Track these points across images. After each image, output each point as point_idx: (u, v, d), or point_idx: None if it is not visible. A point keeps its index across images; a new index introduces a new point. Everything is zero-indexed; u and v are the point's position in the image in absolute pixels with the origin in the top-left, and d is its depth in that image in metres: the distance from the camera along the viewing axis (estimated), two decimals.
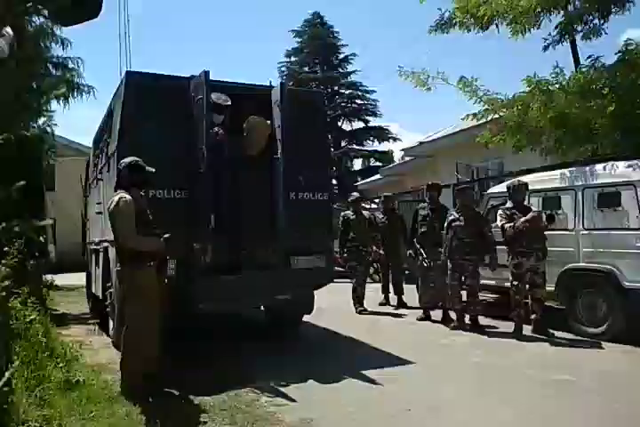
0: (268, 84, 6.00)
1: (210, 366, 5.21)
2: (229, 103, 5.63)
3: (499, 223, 6.31)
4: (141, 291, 4.18)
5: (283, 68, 32.46)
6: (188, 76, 5.60)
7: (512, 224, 6.09)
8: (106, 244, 5.99)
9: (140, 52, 55.78)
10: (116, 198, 4.25)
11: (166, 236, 4.32)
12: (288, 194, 5.70)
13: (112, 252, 5.25)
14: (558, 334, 6.10)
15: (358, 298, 8.33)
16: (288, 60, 32.74)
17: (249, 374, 4.83)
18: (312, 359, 5.45)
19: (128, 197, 4.23)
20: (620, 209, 5.79)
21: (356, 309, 8.24)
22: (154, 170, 4.51)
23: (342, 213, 8.64)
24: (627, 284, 5.54)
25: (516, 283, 6.18)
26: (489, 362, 5.22)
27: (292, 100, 5.73)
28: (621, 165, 5.96)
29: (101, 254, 6.57)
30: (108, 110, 6.38)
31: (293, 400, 4.14)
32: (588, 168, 6.41)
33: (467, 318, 6.70)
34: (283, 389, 4.40)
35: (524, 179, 6.80)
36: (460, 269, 6.65)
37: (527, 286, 6.17)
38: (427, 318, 7.36)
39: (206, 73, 5.29)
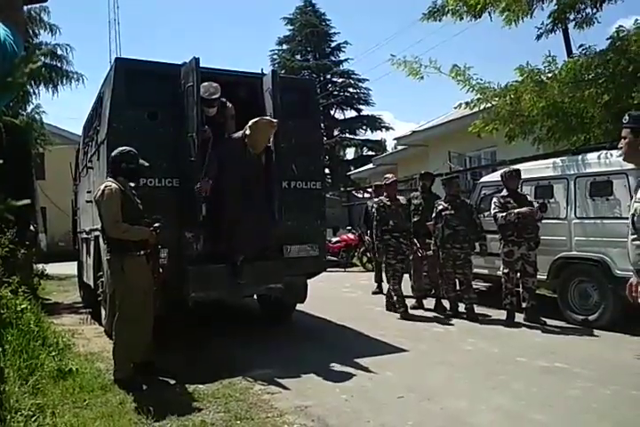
0: (260, 72, 5.95)
1: (203, 354, 5.22)
2: (218, 95, 5.57)
3: (492, 211, 6.32)
4: (131, 279, 4.16)
5: (274, 56, 32.23)
6: (178, 63, 5.54)
7: (504, 214, 6.10)
8: (96, 232, 5.93)
9: (131, 39, 55.23)
10: (102, 187, 4.23)
11: (156, 225, 4.29)
12: (281, 183, 5.67)
13: (102, 240, 5.21)
14: (550, 322, 6.13)
15: (398, 300, 6.99)
16: (280, 47, 32.53)
17: (242, 363, 4.84)
18: (305, 348, 5.46)
19: (114, 185, 4.20)
20: (612, 198, 5.81)
21: (400, 312, 6.93)
22: (147, 164, 4.48)
23: (376, 200, 7.50)
24: (618, 272, 5.56)
25: (506, 271, 6.21)
26: (482, 350, 5.25)
27: (284, 88, 5.69)
28: (614, 153, 5.97)
29: (92, 243, 6.52)
30: (98, 97, 6.30)
31: (287, 388, 4.15)
32: (580, 157, 6.42)
33: (461, 307, 6.74)
34: (276, 377, 4.40)
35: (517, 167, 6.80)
36: (452, 258, 6.68)
37: (518, 274, 6.21)
38: (420, 306, 7.39)
39: (196, 60, 5.23)
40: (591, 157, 6.26)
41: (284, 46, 32.42)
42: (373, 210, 7.49)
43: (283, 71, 25.67)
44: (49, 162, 18.03)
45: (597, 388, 4.00)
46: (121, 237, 4.16)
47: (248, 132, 5.27)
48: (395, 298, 7.02)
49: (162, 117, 5.38)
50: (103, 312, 6.08)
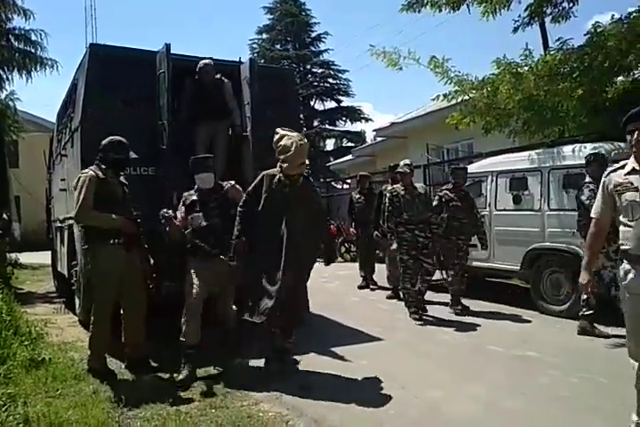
0: (238, 60, 5.89)
1: (176, 343, 5.17)
2: (209, 61, 5.48)
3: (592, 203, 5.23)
4: (104, 268, 4.10)
5: (254, 45, 31.93)
6: (154, 50, 5.46)
7: None
8: (71, 221, 5.85)
9: (107, 26, 54.27)
10: (80, 174, 4.18)
11: (135, 213, 4.24)
12: (258, 173, 5.62)
13: (77, 229, 5.14)
14: (524, 311, 6.23)
15: (408, 300, 6.32)
16: (259, 37, 32.21)
17: (218, 352, 4.81)
18: None
19: (91, 172, 4.14)
20: None
21: (410, 313, 6.26)
22: (136, 156, 4.39)
23: (389, 188, 6.62)
24: None
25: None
26: (458, 340, 5.32)
27: (263, 77, 5.64)
28: (588, 146, 6.05)
29: (66, 232, 6.43)
30: (72, 84, 6.18)
31: (262, 377, 4.15)
32: (554, 150, 6.50)
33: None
34: (252, 366, 4.43)
35: (492, 160, 6.81)
36: (456, 249, 6.48)
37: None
38: (396, 296, 7.43)
39: (167, 46, 5.16)
40: (565, 149, 6.35)
41: (264, 35, 32.11)
42: (385, 199, 6.85)
43: (262, 61, 25.46)
44: (22, 149, 17.71)
45: (567, 376, 4.09)
46: (89, 224, 4.13)
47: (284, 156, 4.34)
48: (405, 296, 6.44)
49: (137, 104, 5.30)
50: (77, 302, 6.00)
